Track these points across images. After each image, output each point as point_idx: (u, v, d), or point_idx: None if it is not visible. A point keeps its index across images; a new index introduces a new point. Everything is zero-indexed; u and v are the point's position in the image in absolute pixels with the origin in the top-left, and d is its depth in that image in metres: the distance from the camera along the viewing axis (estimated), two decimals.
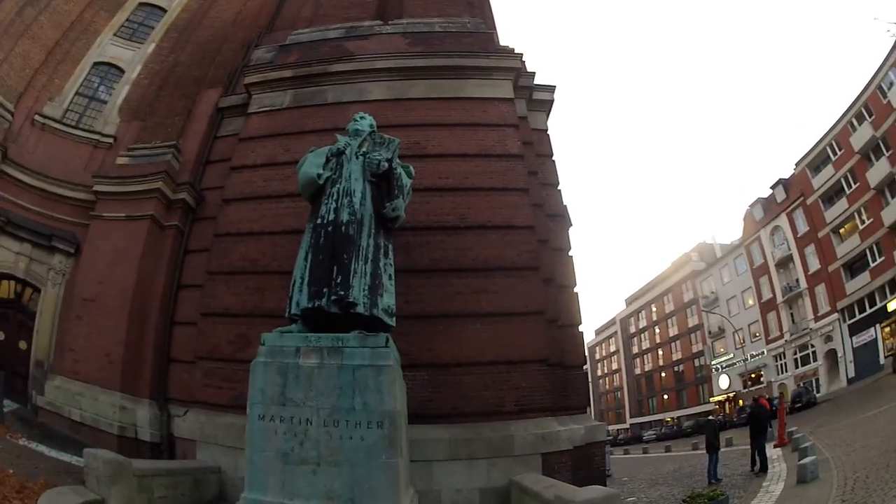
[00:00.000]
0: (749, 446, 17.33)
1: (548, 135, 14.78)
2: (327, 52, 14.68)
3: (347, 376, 7.89)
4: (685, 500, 10.34)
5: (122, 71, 17.76)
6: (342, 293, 8.21)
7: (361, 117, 10.04)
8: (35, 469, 9.09)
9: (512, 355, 11.07)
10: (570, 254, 13.39)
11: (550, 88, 15.07)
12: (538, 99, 14.79)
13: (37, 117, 15.73)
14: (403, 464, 7.93)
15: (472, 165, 12.57)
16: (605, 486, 10.75)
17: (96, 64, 17.65)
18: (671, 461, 25.84)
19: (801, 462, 13.23)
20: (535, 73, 14.64)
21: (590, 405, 13.19)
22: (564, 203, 13.95)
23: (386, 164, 8.92)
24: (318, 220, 8.87)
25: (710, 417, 18.78)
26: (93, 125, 16.50)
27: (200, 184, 14.70)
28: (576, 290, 13.15)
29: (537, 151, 13.85)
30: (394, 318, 8.90)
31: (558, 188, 14.01)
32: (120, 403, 12.42)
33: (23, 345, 14.08)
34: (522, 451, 10.54)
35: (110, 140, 16.18)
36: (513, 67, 14.03)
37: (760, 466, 16.13)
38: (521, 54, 14.42)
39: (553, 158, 14.42)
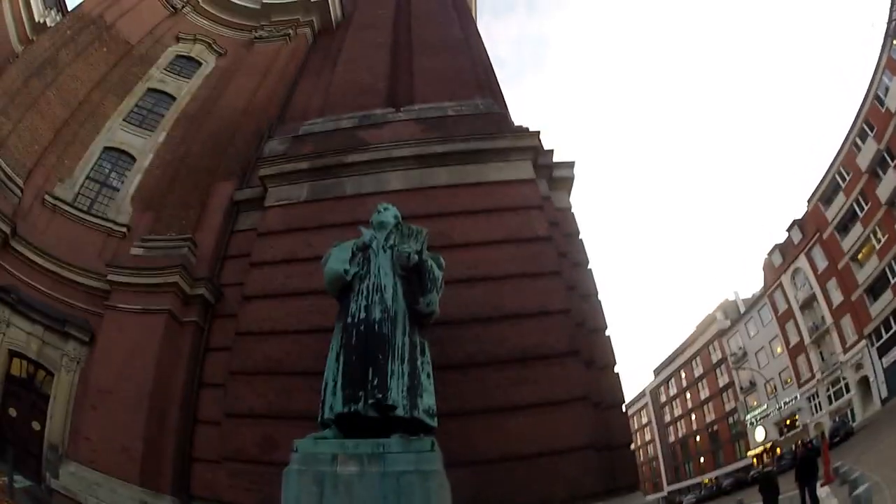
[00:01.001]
0: (798, 491, 17.06)
1: (572, 213, 14.49)
2: (342, 142, 14.58)
3: (391, 484, 7.31)
4: None
5: (133, 158, 17.82)
6: (380, 396, 7.74)
7: (385, 208, 9.70)
8: None
9: (557, 444, 10.48)
10: (607, 333, 12.92)
11: (570, 165, 14.80)
12: (559, 177, 14.53)
13: (47, 198, 15.61)
14: None
15: (500, 252, 12.23)
16: None
17: (107, 149, 17.72)
18: None
19: (855, 493, 12.87)
20: (553, 150, 14.45)
21: (638, 482, 12.56)
22: (595, 281, 13.56)
23: (416, 257, 8.57)
24: (349, 319, 8.44)
25: (769, 468, 18.51)
26: (106, 212, 16.38)
27: (219, 279, 14.40)
28: (616, 369, 12.64)
29: (564, 231, 13.56)
30: (435, 419, 8.40)
31: (588, 267, 13.67)
32: (140, 497, 11.88)
33: (36, 425, 13.64)
34: None
35: (123, 230, 16.02)
36: (531, 147, 13.87)
37: None
38: (538, 132, 14.21)
39: (580, 237, 14.12)
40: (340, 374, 8.17)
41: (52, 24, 21.12)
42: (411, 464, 7.45)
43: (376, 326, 8.19)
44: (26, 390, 14.03)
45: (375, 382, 7.82)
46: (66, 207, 15.81)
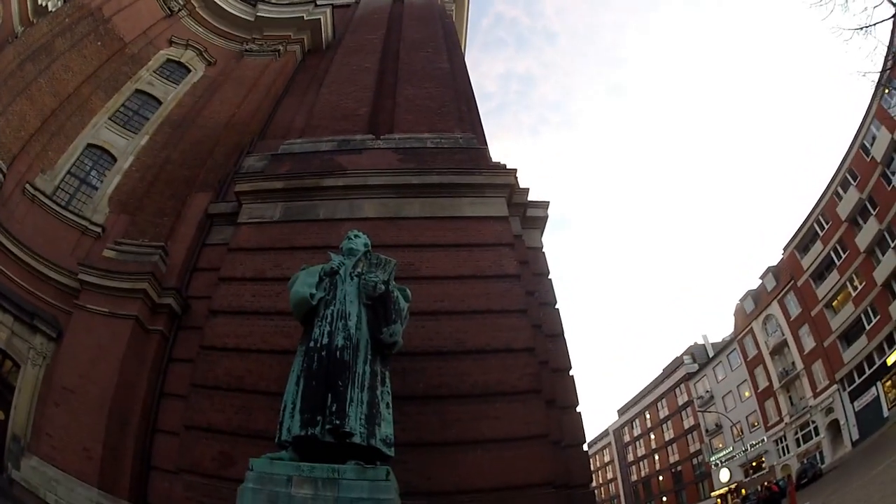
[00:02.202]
0: None
1: (543, 253, 14.57)
2: (319, 166, 14.58)
3: None
4: None
5: (114, 158, 17.77)
6: (338, 422, 7.69)
7: (356, 235, 9.70)
8: None
9: (516, 480, 10.45)
10: (571, 373, 12.96)
11: (544, 205, 14.96)
12: (532, 216, 14.65)
13: (27, 187, 15.47)
14: None
15: (468, 287, 12.24)
16: None
17: (90, 146, 17.64)
18: None
19: None
20: (528, 189, 14.52)
21: None
22: (562, 322, 13.59)
23: (383, 287, 8.57)
24: (311, 343, 8.40)
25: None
26: (82, 210, 16.30)
27: (187, 291, 14.30)
28: (578, 408, 12.67)
29: (534, 270, 13.62)
30: (392, 449, 8.30)
31: (556, 307, 13.69)
32: (97, 500, 11.69)
33: (0, 415, 13.43)
34: None
35: (98, 230, 15.93)
36: (506, 184, 13.94)
37: None
38: (515, 170, 14.31)
39: (549, 277, 14.16)
40: (300, 397, 8.12)
41: (54, 9, 21.00)
42: (365, 491, 7.40)
43: (338, 353, 8.16)
44: None
45: (334, 408, 7.78)
46: (45, 200, 15.72)
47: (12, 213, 14.83)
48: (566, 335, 13.38)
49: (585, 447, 12.93)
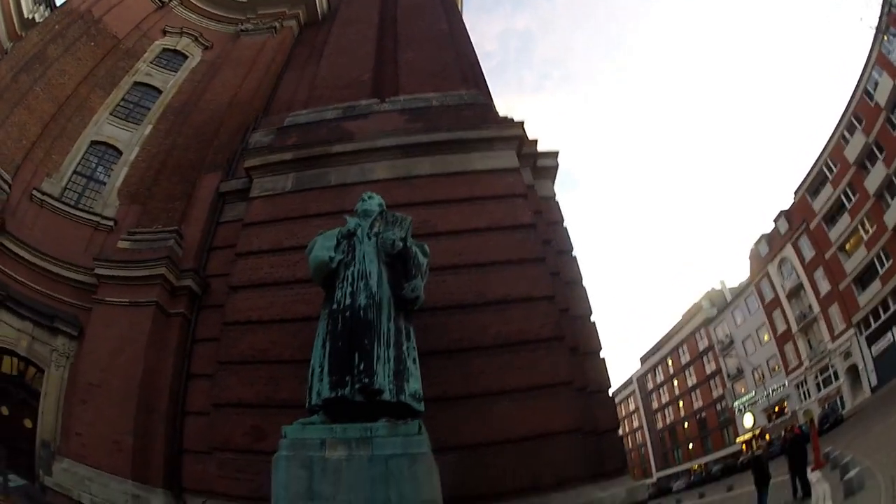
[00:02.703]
0: (788, 476, 17.11)
1: (556, 202, 14.53)
2: (326, 134, 14.56)
3: (380, 467, 7.39)
4: None
5: (119, 152, 17.77)
6: (366, 381, 7.79)
7: (370, 197, 9.76)
8: None
9: (543, 429, 10.54)
10: (592, 319, 12.99)
11: (554, 154, 14.86)
12: (543, 166, 14.59)
13: (35, 193, 15.56)
14: None
15: (485, 240, 12.26)
16: None
17: (93, 143, 17.66)
18: None
19: (847, 477, 13.03)
20: (537, 140, 14.48)
21: (627, 467, 12.63)
22: (580, 269, 13.59)
23: (401, 244, 8.61)
24: (334, 306, 8.48)
25: (759, 452, 18.39)
26: (92, 206, 16.35)
27: (205, 271, 14.35)
28: (601, 354, 12.71)
29: (548, 219, 13.61)
30: (422, 403, 8.45)
31: (573, 254, 13.69)
32: (132, 492, 11.78)
33: (28, 423, 13.59)
34: None
35: (110, 223, 15.99)
36: (515, 136, 13.90)
37: (803, 492, 15.87)
38: (522, 122, 14.27)
39: (564, 225, 14.16)
40: (327, 359, 8.19)
41: (41, 19, 20.99)
42: (399, 447, 7.50)
43: (362, 312, 8.22)
44: (16, 387, 13.98)
45: (362, 367, 7.86)
46: (54, 202, 15.76)
47: (22, 220, 14.92)
48: (585, 282, 13.42)
49: (610, 393, 12.93)
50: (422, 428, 7.86)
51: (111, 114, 18.51)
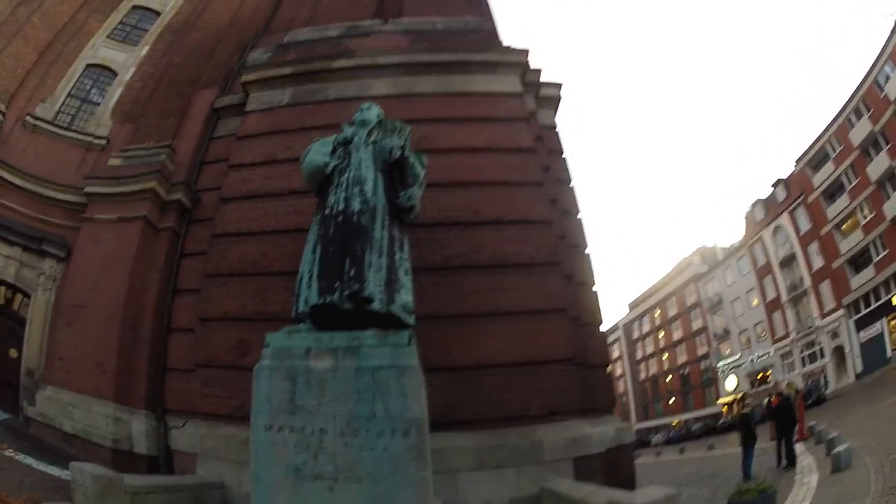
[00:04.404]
0: (773, 442, 16.78)
1: (557, 131, 14.34)
2: (327, 50, 14.19)
3: (366, 379, 6.94)
4: (734, 496, 9.63)
5: (114, 73, 17.29)
6: (356, 287, 7.34)
7: (368, 107, 9.31)
8: (21, 483, 8.38)
9: (535, 355, 10.43)
10: (587, 251, 12.86)
11: (557, 85, 14.69)
12: (545, 96, 14.35)
13: (28, 118, 15.24)
14: (430, 477, 6.99)
15: (483, 160, 12.03)
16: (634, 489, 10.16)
17: (89, 66, 17.19)
18: (688, 464, 25.32)
19: (835, 451, 12.83)
20: (540, 69, 14.19)
21: (615, 406, 12.59)
22: (577, 200, 13.47)
23: (399, 152, 8.26)
24: (326, 211, 8.06)
25: (746, 410, 18.15)
26: (85, 127, 15.99)
27: (196, 185, 14.06)
28: (594, 287, 12.61)
29: (549, 147, 13.43)
30: (413, 317, 8.02)
31: (571, 185, 13.54)
32: (114, 415, 11.61)
33: (13, 353, 13.41)
34: (552, 456, 9.88)
35: (103, 142, 15.63)
36: (519, 63, 13.59)
37: (788, 461, 15.54)
38: (527, 50, 13.89)
39: (564, 155, 13.97)
40: (316, 265, 7.82)
41: None
42: (387, 358, 7.10)
43: (355, 218, 7.83)
44: (3, 317, 13.86)
45: (352, 273, 7.46)
46: (46, 126, 15.47)
47: (14, 147, 14.69)
48: (581, 214, 13.31)
49: (601, 328, 12.86)
50: (412, 339, 7.48)
51: (108, 37, 17.97)
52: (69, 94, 16.51)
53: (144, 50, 17.94)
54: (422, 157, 9.05)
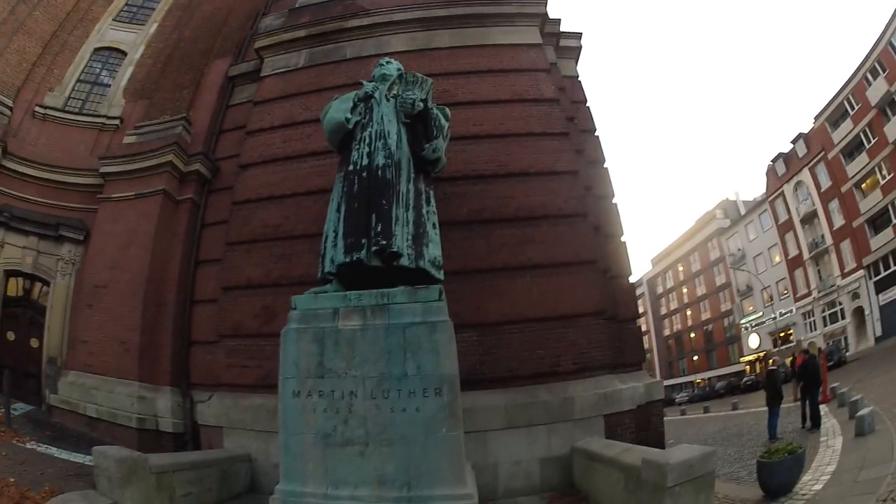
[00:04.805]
0: (798, 402, 16.33)
1: (579, 81, 14.04)
2: (341, 10, 13.96)
3: (397, 337, 6.71)
4: (763, 455, 9.41)
5: (124, 54, 17.16)
6: (384, 243, 7.15)
7: (388, 62, 9.15)
8: (41, 475, 8.21)
9: (565, 309, 10.23)
10: (615, 201, 12.61)
11: (577, 35, 14.41)
12: (565, 46, 14.09)
13: (37, 109, 15.22)
14: (463, 437, 6.78)
15: (506, 111, 11.78)
16: (664, 447, 9.96)
17: (97, 49, 17.08)
18: (713, 422, 25.16)
19: (859, 414, 12.54)
20: (560, 19, 13.88)
21: (644, 361, 12.36)
22: (603, 149, 13.16)
23: (421, 104, 8.03)
24: (350, 167, 7.84)
25: (773, 367, 17.69)
26: (97, 109, 15.91)
27: (215, 154, 13.90)
28: (623, 238, 12.36)
29: (571, 98, 13.18)
30: (441, 271, 7.86)
31: (596, 134, 13.24)
32: (138, 394, 11.51)
33: (34, 342, 13.38)
34: (583, 413, 9.70)
35: (116, 122, 15.54)
36: (537, 13, 13.33)
37: (812, 422, 15.10)
38: (545, 0, 13.60)
39: (587, 105, 13.67)
40: (342, 223, 7.61)
41: None
42: (418, 315, 6.87)
43: (379, 172, 7.63)
44: (23, 308, 13.82)
45: (379, 229, 7.26)
46: (57, 114, 15.44)
47: (24, 139, 14.68)
48: (606, 164, 13.04)
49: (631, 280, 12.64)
50: (442, 294, 7.20)
51: (114, 20, 17.84)
52: (78, 80, 16.42)
53: (153, 28, 17.77)
54: (445, 109, 8.90)
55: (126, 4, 18.31)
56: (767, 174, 61.54)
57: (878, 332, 42.52)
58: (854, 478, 9.07)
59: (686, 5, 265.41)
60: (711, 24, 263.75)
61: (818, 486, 9.09)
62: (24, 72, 15.29)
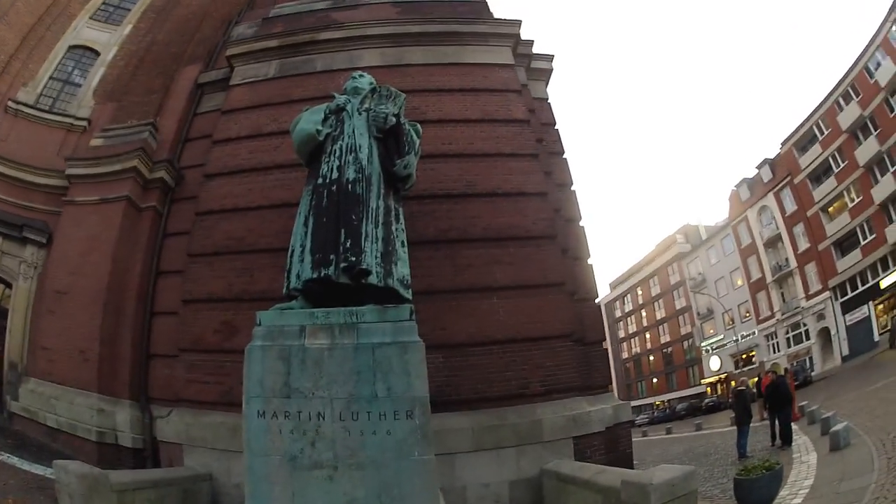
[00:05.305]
0: (763, 421, 16.73)
1: (549, 103, 14.07)
2: (314, 22, 13.85)
3: (366, 357, 6.54)
4: (740, 473, 9.42)
5: (97, 54, 16.83)
6: (353, 259, 6.92)
7: (360, 75, 8.99)
8: (4, 486, 7.95)
9: (533, 331, 10.19)
10: (582, 224, 12.65)
11: (549, 57, 14.45)
12: (537, 68, 14.10)
13: (10, 104, 14.84)
14: (435, 460, 6.58)
15: (476, 130, 11.76)
16: (633, 468, 9.99)
17: (71, 47, 16.75)
18: (678, 443, 25.35)
19: (834, 429, 12.66)
20: (533, 41, 13.93)
21: (611, 383, 12.37)
22: (571, 172, 13.21)
23: (394, 119, 7.86)
24: (319, 181, 7.61)
25: (742, 387, 17.93)
26: (66, 109, 15.55)
27: (179, 162, 13.59)
28: (590, 261, 12.40)
29: (541, 120, 13.19)
30: (409, 291, 7.64)
31: (564, 157, 13.27)
32: (97, 406, 11.16)
33: None
34: (553, 435, 9.64)
35: (84, 123, 15.19)
36: (511, 34, 13.32)
37: (783, 440, 15.29)
38: (519, 21, 13.58)
39: (556, 127, 13.69)
40: (309, 238, 7.40)
41: None
42: (388, 334, 6.71)
43: (350, 187, 7.44)
44: None
45: (348, 245, 7.06)
46: (28, 110, 15.09)
47: None
48: (574, 186, 13.07)
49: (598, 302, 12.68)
50: (413, 313, 7.05)
51: (91, 17, 17.51)
52: (51, 77, 16.10)
53: (128, 29, 17.44)
54: (417, 125, 8.75)
55: (104, 3, 17.99)
56: (731, 199, 62.87)
57: (846, 352, 43.45)
58: (835, 489, 9.15)
59: (653, 27, 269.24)
60: (678, 48, 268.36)
61: (797, 500, 9.19)
62: (1, 63, 15.03)
